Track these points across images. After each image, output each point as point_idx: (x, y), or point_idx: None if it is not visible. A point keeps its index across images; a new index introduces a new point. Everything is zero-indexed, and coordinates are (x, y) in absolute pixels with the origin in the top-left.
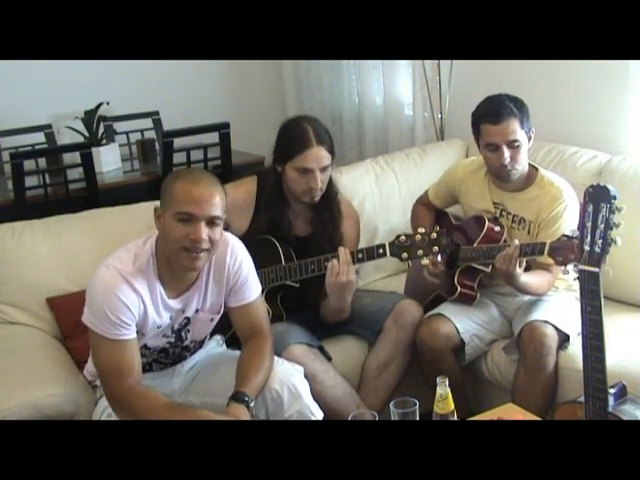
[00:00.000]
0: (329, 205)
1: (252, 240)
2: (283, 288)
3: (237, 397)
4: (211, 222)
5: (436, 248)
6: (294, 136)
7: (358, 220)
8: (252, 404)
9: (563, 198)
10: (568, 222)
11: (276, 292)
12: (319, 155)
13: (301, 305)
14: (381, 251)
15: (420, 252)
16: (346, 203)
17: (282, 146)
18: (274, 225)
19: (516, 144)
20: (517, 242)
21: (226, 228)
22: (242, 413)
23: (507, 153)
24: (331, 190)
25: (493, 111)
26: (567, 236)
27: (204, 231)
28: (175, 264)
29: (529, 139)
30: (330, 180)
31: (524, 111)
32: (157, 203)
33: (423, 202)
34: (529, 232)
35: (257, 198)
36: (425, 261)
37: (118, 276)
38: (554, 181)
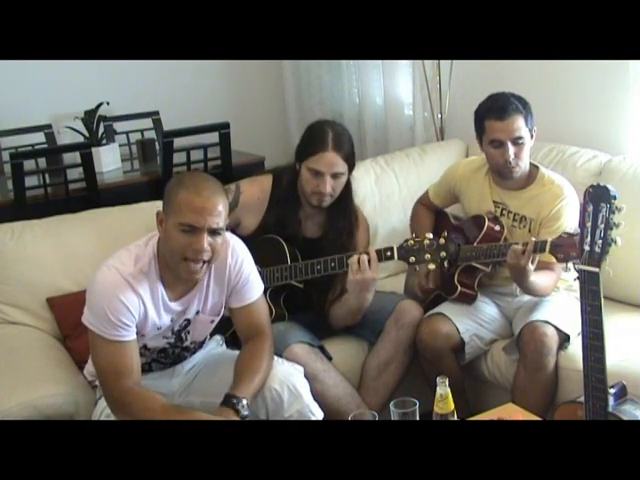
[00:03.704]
0: (345, 213)
1: (259, 239)
2: (287, 288)
3: (226, 400)
4: (213, 232)
5: (443, 254)
6: (313, 137)
7: (368, 227)
8: (242, 407)
9: (564, 195)
10: (570, 219)
11: (280, 292)
12: (332, 160)
13: (304, 306)
14: (389, 254)
15: (427, 257)
16: (359, 211)
17: (302, 144)
18: (283, 222)
19: (520, 141)
20: (533, 239)
21: (237, 226)
22: (228, 417)
23: (512, 150)
24: (349, 198)
25: (499, 107)
26: (568, 233)
27: (206, 241)
28: (175, 271)
29: (532, 137)
30: (348, 188)
31: (528, 109)
32: (157, 204)
33: (423, 202)
34: (530, 230)
35: (271, 197)
36: (432, 266)
37: (119, 277)
38: (555, 179)
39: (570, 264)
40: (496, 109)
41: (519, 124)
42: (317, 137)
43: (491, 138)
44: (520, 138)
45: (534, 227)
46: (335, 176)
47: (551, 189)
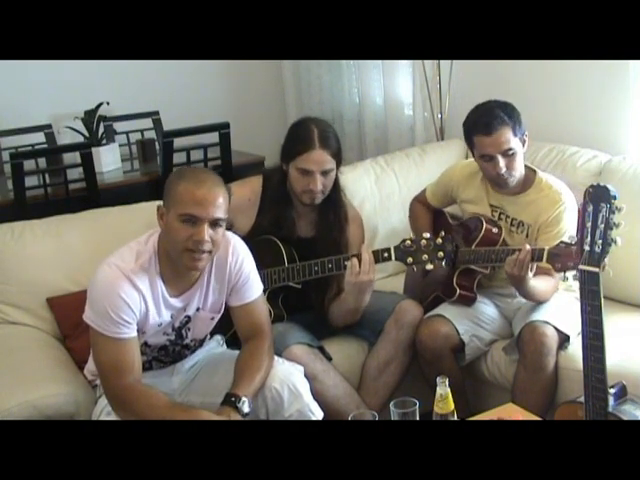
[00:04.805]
0: (335, 208)
1: (255, 240)
2: (285, 289)
3: (226, 399)
4: (214, 223)
5: (441, 254)
6: (299, 136)
7: (362, 222)
8: (243, 406)
9: (562, 201)
10: (568, 224)
11: (278, 293)
12: (321, 158)
13: (303, 306)
14: (386, 255)
15: (425, 257)
16: (350, 206)
17: (287, 145)
18: (277, 223)
19: (511, 152)
20: (528, 247)
21: (230, 227)
22: (229, 416)
23: (502, 162)
24: (337, 193)
25: (484, 123)
26: (565, 243)
27: (207, 232)
28: (177, 263)
29: (523, 143)
30: (336, 184)
31: (515, 117)
32: (157, 203)
33: (420, 200)
34: (527, 235)
35: (262, 197)
36: (429, 266)
37: (120, 274)
38: (552, 184)
39: (568, 273)
40: (482, 125)
41: (507, 136)
42: (303, 136)
43: (481, 153)
44: (510, 150)
45: (532, 232)
46: (324, 173)
47: (549, 194)
